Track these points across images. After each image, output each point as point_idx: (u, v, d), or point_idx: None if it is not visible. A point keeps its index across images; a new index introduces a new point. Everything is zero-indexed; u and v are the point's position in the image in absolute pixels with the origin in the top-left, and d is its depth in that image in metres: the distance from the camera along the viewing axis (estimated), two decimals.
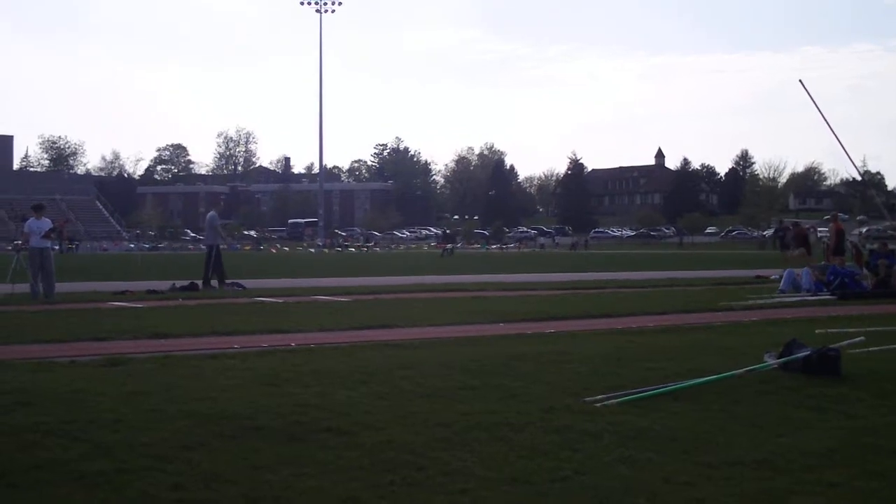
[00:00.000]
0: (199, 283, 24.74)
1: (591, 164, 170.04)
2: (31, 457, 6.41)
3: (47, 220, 22.84)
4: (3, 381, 9.42)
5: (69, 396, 8.63)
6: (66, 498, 5.55)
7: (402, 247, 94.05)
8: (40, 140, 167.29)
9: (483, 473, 6.09)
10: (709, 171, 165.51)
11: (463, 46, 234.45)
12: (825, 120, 17.12)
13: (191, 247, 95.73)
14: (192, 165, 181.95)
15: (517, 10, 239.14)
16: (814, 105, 17.45)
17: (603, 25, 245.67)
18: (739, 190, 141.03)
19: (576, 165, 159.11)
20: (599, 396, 8.53)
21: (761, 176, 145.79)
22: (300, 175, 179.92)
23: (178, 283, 24.34)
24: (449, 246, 67.63)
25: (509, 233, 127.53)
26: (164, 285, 24.19)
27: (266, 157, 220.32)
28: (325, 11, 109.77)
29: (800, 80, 17.37)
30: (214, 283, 25.01)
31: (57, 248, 49.40)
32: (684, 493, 5.71)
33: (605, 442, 6.93)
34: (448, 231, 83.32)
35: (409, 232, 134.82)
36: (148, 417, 7.73)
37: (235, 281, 25.92)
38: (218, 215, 27.27)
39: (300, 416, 7.77)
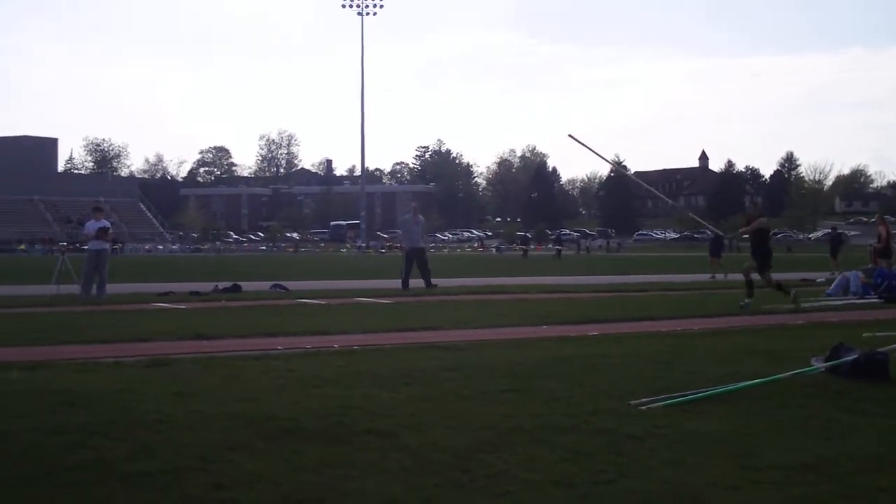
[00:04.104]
0: (240, 285, 24.76)
1: (634, 166, 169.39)
2: (75, 456, 6.44)
3: (105, 221, 22.99)
4: (49, 381, 9.51)
5: (114, 397, 8.69)
6: (109, 498, 5.57)
7: (444, 249, 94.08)
8: (84, 143, 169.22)
9: (526, 476, 6.04)
10: (753, 174, 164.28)
11: (505, 49, 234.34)
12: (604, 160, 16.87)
13: (234, 248, 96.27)
14: (234, 168, 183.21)
15: (560, 12, 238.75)
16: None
17: (647, 28, 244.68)
18: (784, 192, 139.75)
19: (619, 167, 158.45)
20: (644, 400, 8.46)
21: (806, 178, 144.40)
22: (342, 177, 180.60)
23: (221, 285, 24.48)
24: (524, 248, 68.23)
25: (552, 235, 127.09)
26: (207, 287, 24.34)
27: (308, 159, 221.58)
28: (367, 14, 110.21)
29: (569, 135, 17.13)
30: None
31: (118, 247, 50.01)
32: (731, 498, 5.63)
33: (650, 445, 6.86)
34: (528, 234, 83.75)
35: (451, 234, 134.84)
36: (191, 418, 7.76)
37: (278, 283, 26.03)
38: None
39: (343, 418, 7.76)
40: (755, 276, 19.76)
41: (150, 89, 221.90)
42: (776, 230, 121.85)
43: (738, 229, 21.87)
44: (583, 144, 17.55)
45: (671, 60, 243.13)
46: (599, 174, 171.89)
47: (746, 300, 19.31)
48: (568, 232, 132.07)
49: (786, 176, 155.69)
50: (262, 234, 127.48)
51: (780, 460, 6.47)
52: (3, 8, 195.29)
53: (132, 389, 9.14)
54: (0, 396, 8.47)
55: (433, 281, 25.83)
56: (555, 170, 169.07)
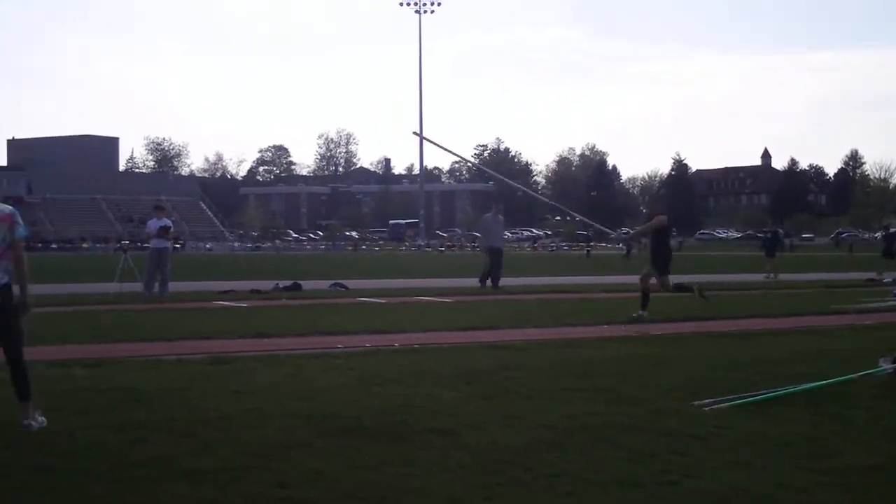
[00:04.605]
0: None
1: (695, 164, 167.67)
2: (138, 453, 6.49)
3: (167, 219, 23.18)
4: (111, 378, 9.61)
5: (175, 394, 8.76)
6: (173, 494, 5.60)
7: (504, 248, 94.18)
8: (145, 142, 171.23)
9: (589, 476, 5.97)
10: (817, 172, 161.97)
11: (562, 46, 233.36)
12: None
13: (293, 247, 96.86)
14: (293, 166, 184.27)
15: (617, 9, 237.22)
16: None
17: (708, 23, 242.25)
18: (849, 191, 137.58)
19: (680, 166, 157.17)
20: (708, 400, 8.33)
21: (872, 177, 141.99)
22: (401, 176, 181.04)
23: (282, 283, 24.61)
24: (629, 249, 67.62)
25: (613, 234, 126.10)
26: (267, 285, 24.49)
27: (367, 158, 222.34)
28: (425, 12, 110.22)
29: (414, 132, 16.70)
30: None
31: (179, 245, 50.40)
32: (798, 499, 5.51)
33: (715, 446, 6.75)
34: (589, 233, 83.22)
35: (510, 233, 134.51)
36: (252, 416, 7.79)
37: (338, 282, 26.13)
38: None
39: (404, 417, 7.75)
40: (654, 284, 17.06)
41: (210, 88, 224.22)
42: (840, 230, 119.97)
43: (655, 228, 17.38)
44: (430, 141, 17.13)
45: (732, 56, 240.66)
46: (660, 172, 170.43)
47: (641, 312, 16.65)
48: (628, 230, 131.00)
49: (850, 174, 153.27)
50: (321, 233, 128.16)
51: (848, 462, 6.33)
52: (66, 8, 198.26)
53: (194, 387, 9.21)
54: (64, 393, 8.56)
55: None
56: (615, 168, 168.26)
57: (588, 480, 5.87)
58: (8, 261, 7.18)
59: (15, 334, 7.27)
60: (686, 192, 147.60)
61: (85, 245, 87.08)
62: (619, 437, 7.02)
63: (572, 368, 10.44)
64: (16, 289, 7.30)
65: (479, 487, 5.73)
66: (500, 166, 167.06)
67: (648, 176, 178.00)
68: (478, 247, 28.56)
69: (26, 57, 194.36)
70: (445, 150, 17.36)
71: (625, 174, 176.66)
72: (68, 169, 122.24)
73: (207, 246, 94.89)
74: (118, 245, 34.52)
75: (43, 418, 7.24)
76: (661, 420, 7.66)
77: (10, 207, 7.35)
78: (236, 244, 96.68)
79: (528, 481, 5.87)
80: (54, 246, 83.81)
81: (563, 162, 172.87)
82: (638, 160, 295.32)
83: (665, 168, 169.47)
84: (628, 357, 11.40)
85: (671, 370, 10.34)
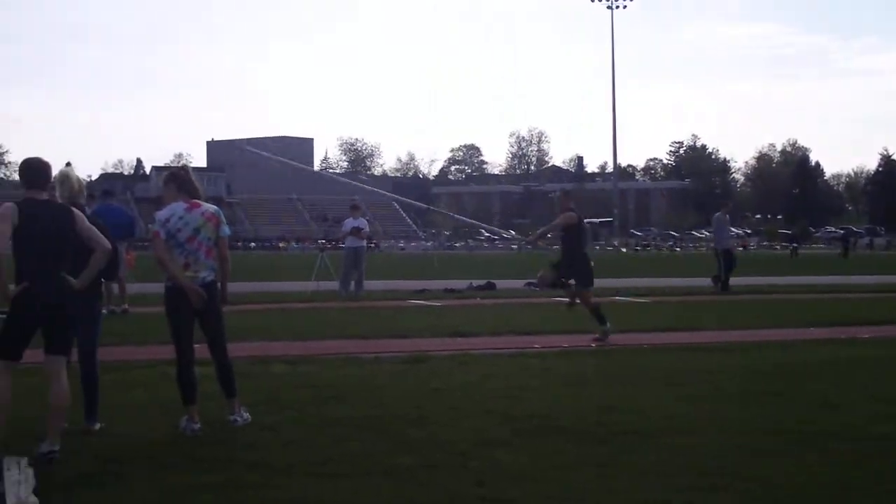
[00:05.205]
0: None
1: None
2: (342, 449, 6.58)
3: (362, 219, 23.58)
4: (311, 375, 9.80)
5: (374, 392, 8.87)
6: (376, 490, 5.66)
7: (702, 247, 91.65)
8: (339, 142, 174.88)
9: (797, 480, 5.74)
10: None
11: (760, 41, 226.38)
12: None
13: (485, 246, 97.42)
14: (485, 165, 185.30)
15: (816, 2, 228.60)
16: None
17: None
18: None
19: (888, 162, 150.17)
20: None
21: None
22: (594, 174, 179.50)
23: (475, 283, 24.68)
24: (794, 245, 65.85)
25: (816, 233, 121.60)
26: (461, 284, 24.59)
27: (559, 156, 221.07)
28: (616, 7, 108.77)
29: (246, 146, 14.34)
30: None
31: (373, 245, 51.42)
32: None
33: None
34: (792, 232, 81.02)
35: (709, 232, 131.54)
36: (449, 414, 7.82)
37: (532, 281, 25.99)
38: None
39: (603, 417, 7.65)
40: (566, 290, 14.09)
41: (401, 89, 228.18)
42: None
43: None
44: (258, 153, 15.73)
45: None
46: (867, 169, 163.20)
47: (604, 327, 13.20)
48: (834, 229, 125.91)
49: None
50: (513, 232, 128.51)
51: None
52: (265, 13, 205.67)
53: (391, 385, 9.32)
54: (266, 390, 8.76)
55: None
56: (818, 164, 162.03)
57: (796, 485, 5.67)
58: (213, 259, 7.39)
59: (221, 331, 7.47)
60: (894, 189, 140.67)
61: (282, 244, 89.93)
62: (829, 443, 6.73)
63: (777, 371, 10.12)
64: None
65: (679, 491, 5.58)
66: (696, 164, 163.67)
67: (854, 173, 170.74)
68: (714, 247, 27.39)
69: (224, 62, 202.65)
70: (280, 159, 13.70)
71: (829, 170, 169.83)
72: (266, 170, 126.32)
73: (401, 245, 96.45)
74: (319, 243, 35.43)
75: (248, 414, 7.43)
76: (876, 426, 7.29)
77: (215, 207, 7.57)
78: (429, 243, 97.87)
79: (728, 485, 5.69)
80: (253, 245, 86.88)
81: (762, 158, 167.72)
82: (843, 156, 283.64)
83: (872, 164, 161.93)
84: (834, 360, 10.99)
85: (882, 374, 9.97)
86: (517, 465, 6.17)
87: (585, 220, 14.34)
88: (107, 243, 6.61)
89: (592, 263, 13.82)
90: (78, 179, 7.20)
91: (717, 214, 26.01)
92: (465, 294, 22.62)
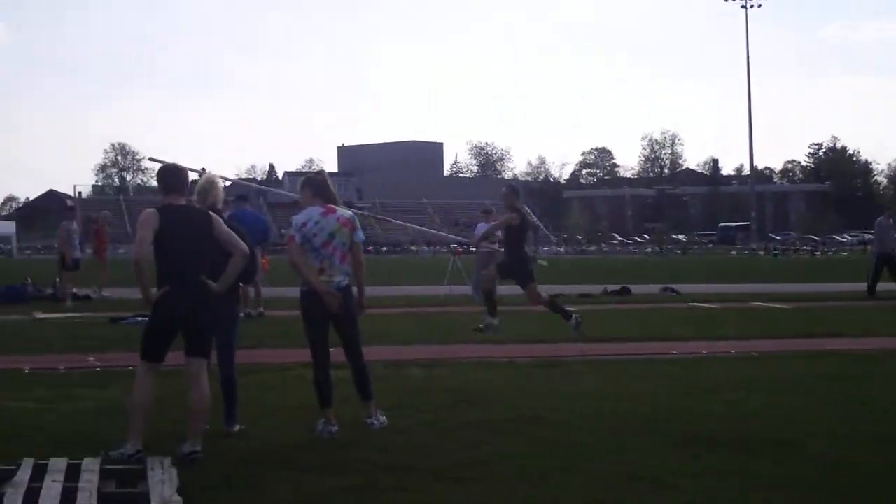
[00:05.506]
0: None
1: None
2: (476, 452, 6.56)
3: (495, 223, 23.50)
4: (445, 378, 9.80)
5: (508, 395, 8.85)
6: (509, 494, 5.63)
7: (843, 251, 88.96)
8: (469, 146, 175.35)
9: None
10: None
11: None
12: None
13: (619, 250, 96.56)
14: (617, 169, 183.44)
15: None
16: None
17: None
18: None
19: None
20: None
21: None
22: (729, 177, 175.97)
23: (610, 287, 24.40)
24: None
25: None
26: (595, 289, 24.34)
27: (693, 159, 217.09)
28: (751, 7, 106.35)
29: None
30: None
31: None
32: None
33: None
34: None
35: (850, 236, 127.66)
36: (584, 418, 7.74)
37: (668, 286, 25.60)
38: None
39: (744, 425, 7.48)
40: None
41: (530, 92, 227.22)
42: None
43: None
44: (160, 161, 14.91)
45: None
46: None
47: (490, 320, 12.91)
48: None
49: None
50: (647, 236, 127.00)
51: None
52: (389, 19, 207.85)
53: (526, 388, 9.27)
54: (400, 394, 8.78)
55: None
56: None
57: None
58: (348, 264, 7.42)
59: (356, 335, 7.50)
60: None
61: (413, 248, 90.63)
62: None
63: None
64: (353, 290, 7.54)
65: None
66: (836, 166, 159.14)
67: None
68: (874, 250, 26.30)
69: (355, 67, 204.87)
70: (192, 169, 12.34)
71: None
72: (397, 174, 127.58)
73: (532, 249, 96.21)
74: (451, 247, 35.52)
75: (384, 417, 7.43)
76: None
77: (350, 212, 7.62)
78: (561, 248, 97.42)
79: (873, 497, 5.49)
80: (384, 249, 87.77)
81: None
82: None
83: None
84: None
85: None
86: (656, 472, 6.04)
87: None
88: (245, 247, 6.70)
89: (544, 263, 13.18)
90: (220, 186, 7.35)
91: (879, 219, 25.14)
92: (600, 299, 22.36)
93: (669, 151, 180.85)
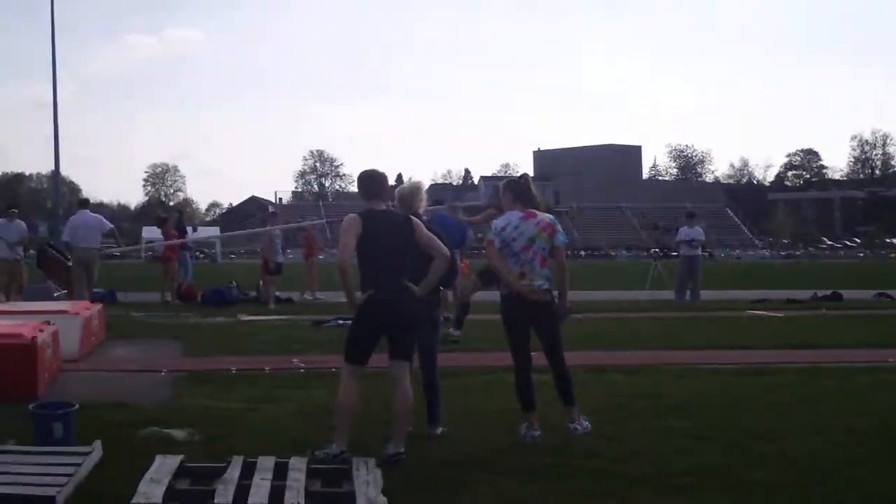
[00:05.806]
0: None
1: None
2: (685, 461, 6.38)
3: (698, 228, 23.10)
4: (651, 385, 9.60)
5: (715, 403, 8.60)
6: None
7: None
8: (668, 149, 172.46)
9: None
10: None
11: None
12: None
13: (827, 254, 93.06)
14: (824, 171, 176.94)
15: None
16: None
17: None
18: None
19: None
20: None
21: None
22: None
23: (820, 293, 23.50)
24: None
25: None
26: (804, 294, 23.49)
27: None
28: None
29: None
30: None
31: (708, 254, 50.59)
32: None
33: None
34: None
35: None
36: (807, 429, 7.41)
37: (883, 292, 24.43)
38: None
39: None
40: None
41: (726, 94, 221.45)
42: None
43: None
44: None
45: None
46: None
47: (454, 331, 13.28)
48: None
49: None
50: (857, 240, 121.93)
51: None
52: (593, 22, 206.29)
53: (734, 396, 8.96)
54: (602, 399, 8.61)
55: None
56: None
57: None
58: (548, 268, 7.33)
59: (557, 340, 7.39)
60: None
61: (612, 253, 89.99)
62: None
63: None
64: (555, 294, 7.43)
65: None
66: None
67: None
68: None
69: (550, 70, 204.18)
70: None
71: None
72: (595, 178, 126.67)
73: (736, 253, 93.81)
74: (653, 252, 35.09)
75: (587, 422, 7.29)
76: None
77: (550, 216, 7.52)
78: (766, 252, 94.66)
79: None
80: (583, 254, 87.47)
81: None
82: None
83: None
84: None
85: None
86: (879, 486, 5.72)
87: None
88: (446, 251, 6.70)
89: None
90: (424, 193, 7.40)
91: None
92: (809, 304, 21.52)
93: (881, 152, 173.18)
